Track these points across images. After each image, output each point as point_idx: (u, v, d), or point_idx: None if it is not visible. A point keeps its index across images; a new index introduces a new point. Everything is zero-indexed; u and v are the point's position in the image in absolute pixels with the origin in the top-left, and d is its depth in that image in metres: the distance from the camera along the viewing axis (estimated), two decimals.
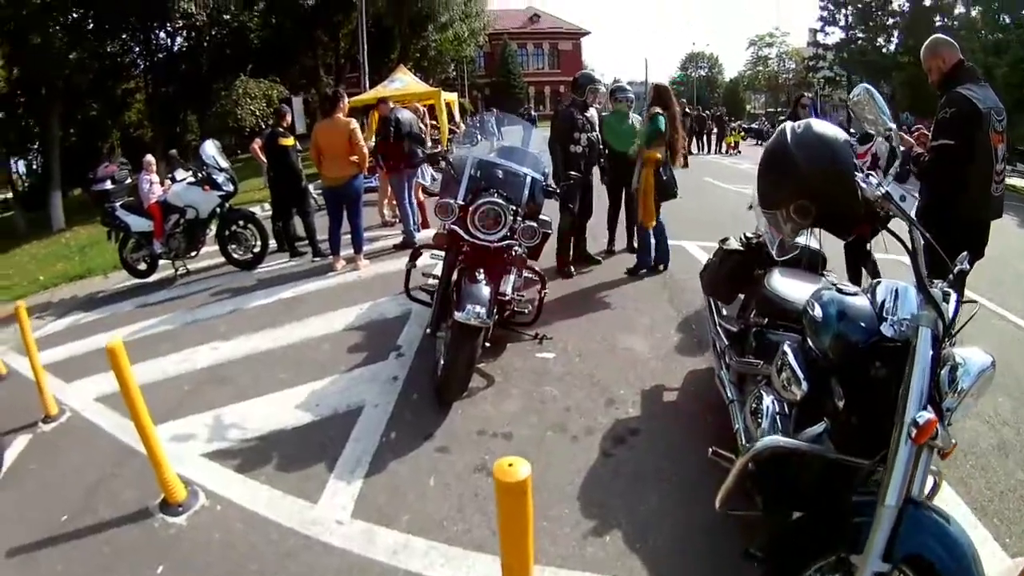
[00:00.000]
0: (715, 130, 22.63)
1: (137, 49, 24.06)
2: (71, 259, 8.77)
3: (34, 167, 30.32)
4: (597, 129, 5.13)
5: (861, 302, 1.70)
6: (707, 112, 26.07)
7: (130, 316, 5.27)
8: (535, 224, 3.18)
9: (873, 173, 1.74)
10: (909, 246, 1.59)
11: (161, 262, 6.37)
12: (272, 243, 6.53)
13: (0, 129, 25.31)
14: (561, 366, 3.41)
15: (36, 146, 25.96)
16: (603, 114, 5.45)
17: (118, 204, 6.18)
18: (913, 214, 1.65)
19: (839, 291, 1.75)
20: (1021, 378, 4.07)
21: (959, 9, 31.73)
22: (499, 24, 40.68)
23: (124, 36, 22.41)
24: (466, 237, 3.12)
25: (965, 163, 2.69)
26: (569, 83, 5.39)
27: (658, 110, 4.82)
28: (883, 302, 1.67)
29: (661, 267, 5.17)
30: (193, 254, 6.38)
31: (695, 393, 3.08)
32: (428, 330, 3.25)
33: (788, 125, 1.99)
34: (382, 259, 6.03)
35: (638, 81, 63.11)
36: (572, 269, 5.15)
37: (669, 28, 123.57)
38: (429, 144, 7.36)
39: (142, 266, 6.37)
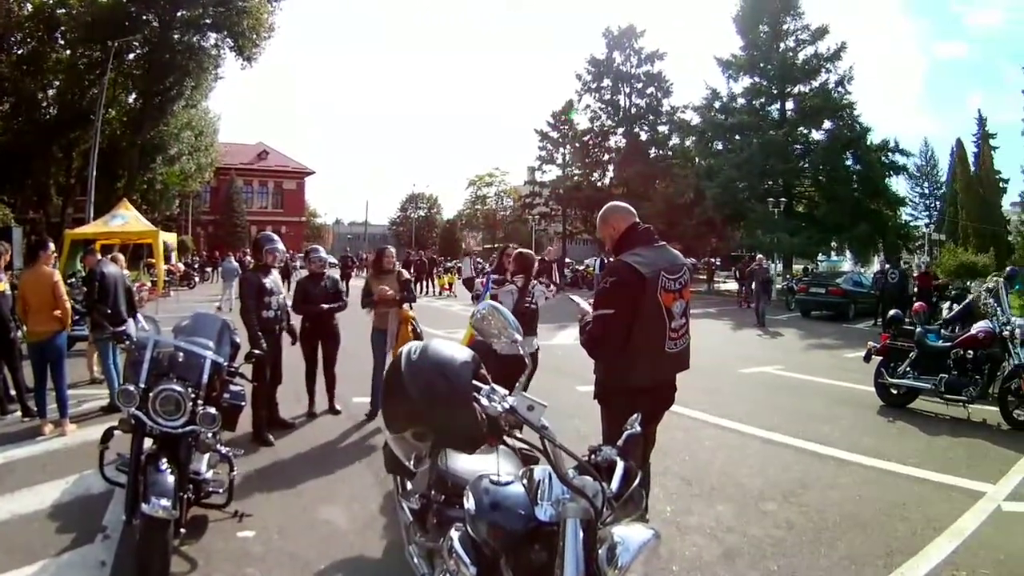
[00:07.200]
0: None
1: None
2: None
3: None
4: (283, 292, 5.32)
5: (515, 490, 1.73)
6: (420, 254, 26.16)
7: None
8: (214, 411, 3.11)
9: (496, 388, 1.77)
10: (541, 447, 1.64)
11: None
12: None
13: None
14: (261, 545, 3.22)
15: None
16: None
17: None
18: (541, 422, 1.63)
19: (492, 482, 1.76)
20: (740, 482, 4.38)
21: (673, 140, 34.88)
22: (228, 159, 39.45)
23: None
24: (149, 423, 3.02)
25: (627, 330, 2.61)
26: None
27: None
28: (538, 485, 1.69)
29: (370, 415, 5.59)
30: None
31: (395, 567, 2.96)
32: (124, 517, 3.04)
33: (405, 350, 2.05)
34: (90, 422, 5.41)
35: (359, 222, 63.71)
36: (271, 437, 4.97)
37: (392, 169, 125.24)
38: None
39: None
